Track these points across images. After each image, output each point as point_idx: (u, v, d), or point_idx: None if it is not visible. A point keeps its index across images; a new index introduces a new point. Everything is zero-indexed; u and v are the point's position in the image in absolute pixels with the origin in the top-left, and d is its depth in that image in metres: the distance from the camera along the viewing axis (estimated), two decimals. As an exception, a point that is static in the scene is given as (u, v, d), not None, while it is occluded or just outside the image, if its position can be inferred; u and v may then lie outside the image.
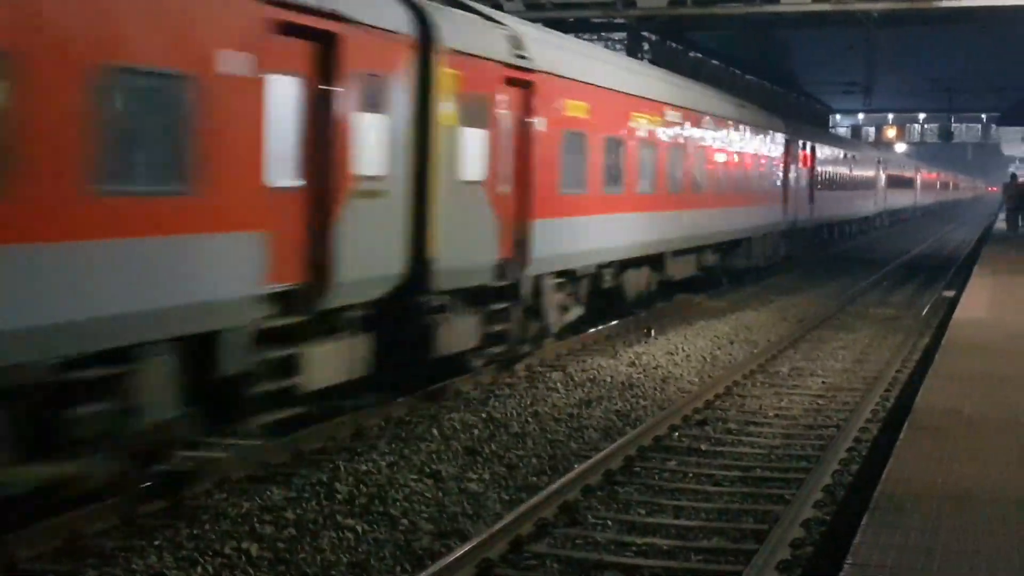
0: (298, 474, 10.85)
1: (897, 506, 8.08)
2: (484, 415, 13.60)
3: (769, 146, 32.07)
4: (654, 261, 21.91)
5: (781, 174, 33.74)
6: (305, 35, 10.73)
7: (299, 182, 10.94)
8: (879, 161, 59.67)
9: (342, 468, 11.06)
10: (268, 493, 10.20)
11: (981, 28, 34.67)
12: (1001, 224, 52.47)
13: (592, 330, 19.84)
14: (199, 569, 8.40)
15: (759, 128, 30.72)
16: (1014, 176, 48.35)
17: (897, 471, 9.07)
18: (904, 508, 8.03)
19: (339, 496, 10.26)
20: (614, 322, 20.97)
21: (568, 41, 20.00)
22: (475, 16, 15.22)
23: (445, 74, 13.36)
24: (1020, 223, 43.70)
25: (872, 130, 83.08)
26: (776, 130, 33.29)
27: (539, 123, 16.05)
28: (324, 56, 11.06)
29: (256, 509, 9.76)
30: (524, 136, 15.76)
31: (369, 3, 12.00)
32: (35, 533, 8.65)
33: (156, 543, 8.85)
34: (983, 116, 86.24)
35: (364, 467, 11.15)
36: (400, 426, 13.03)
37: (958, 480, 8.81)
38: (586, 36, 36.34)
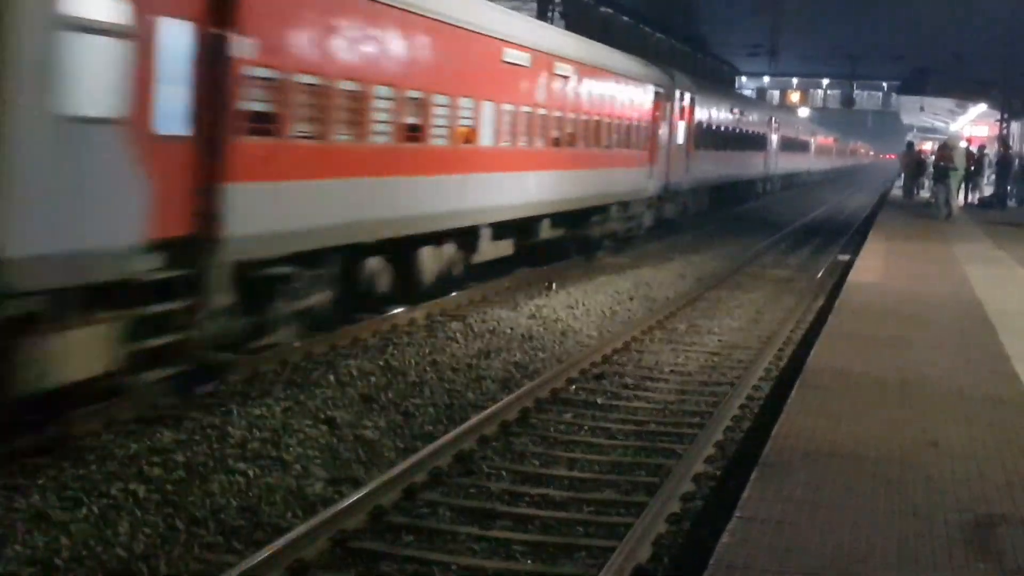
0: (189, 417, 10.70)
1: (785, 462, 8.21)
2: (382, 363, 13.54)
3: (632, 97, 27.49)
4: (465, 235, 18.10)
5: (648, 131, 29.06)
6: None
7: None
8: (772, 121, 55.99)
9: (235, 412, 10.95)
10: (158, 435, 10.06)
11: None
12: (897, 191, 53.51)
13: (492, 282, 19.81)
14: (83, 510, 8.25)
15: (619, 76, 26.41)
16: (911, 145, 49.29)
17: (786, 429, 9.21)
18: (792, 464, 8.16)
19: (231, 440, 10.15)
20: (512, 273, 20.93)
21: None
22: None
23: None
24: (915, 191, 44.65)
25: (777, 93, 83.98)
26: (643, 80, 28.85)
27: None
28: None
29: (144, 451, 9.63)
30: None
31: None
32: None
33: (40, 482, 8.68)
34: (884, 84, 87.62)
35: (258, 411, 11.05)
36: (296, 371, 12.93)
37: (844, 438, 8.98)
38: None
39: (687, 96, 33.63)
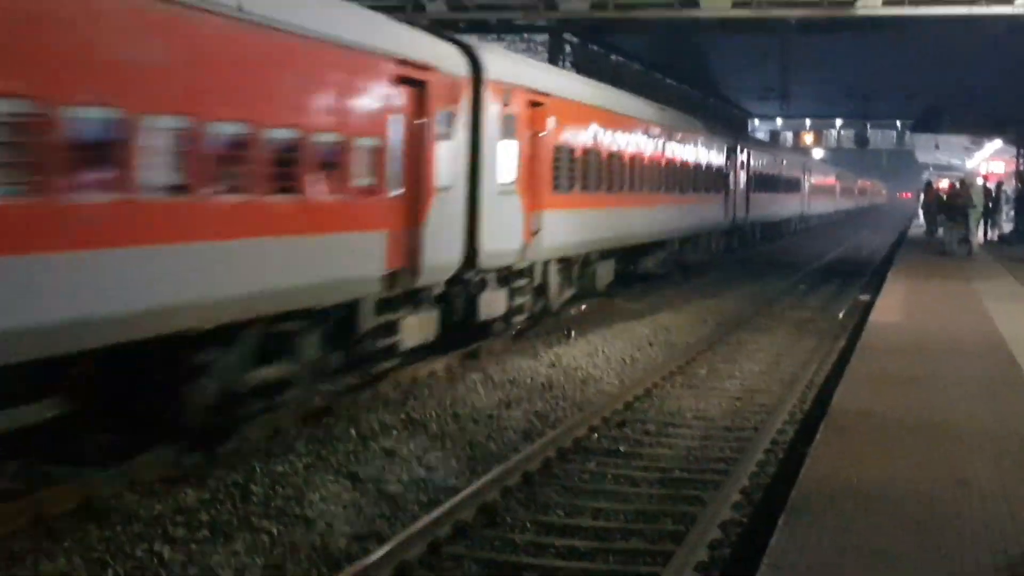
0: (213, 476, 10.68)
1: (812, 507, 8.14)
2: (403, 416, 13.51)
3: (713, 152, 35.73)
4: (629, 251, 25.97)
5: (723, 178, 37.39)
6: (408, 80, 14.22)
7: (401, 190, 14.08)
8: (804, 167, 63.47)
9: (258, 469, 10.92)
10: (182, 495, 10.04)
11: (896, 37, 35.23)
12: (916, 230, 53.38)
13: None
14: (110, 572, 8.25)
15: (710, 137, 35.24)
16: (929, 183, 49.17)
17: (813, 472, 9.15)
18: (819, 509, 8.10)
19: (255, 498, 10.13)
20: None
21: (562, 74, 24.89)
22: (499, 46, 19.53)
23: (489, 101, 16.79)
24: (936, 229, 43.13)
25: (790, 135, 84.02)
26: (721, 137, 37.47)
27: (546, 136, 19.37)
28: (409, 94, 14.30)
29: (169, 511, 9.60)
30: (534, 145, 18.90)
31: (438, 53, 15.43)
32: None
33: (65, 545, 8.66)
34: (898, 123, 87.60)
35: (280, 468, 11.02)
36: (317, 426, 12.90)
37: (871, 481, 8.91)
38: (509, 38, 36.33)
39: (746, 150, 41.84)
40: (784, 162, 54.85)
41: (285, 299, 11.70)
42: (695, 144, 32.88)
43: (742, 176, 40.73)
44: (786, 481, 9.62)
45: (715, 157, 36.01)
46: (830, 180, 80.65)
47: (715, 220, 36.23)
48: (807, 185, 63.91)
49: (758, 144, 49.70)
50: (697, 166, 33.25)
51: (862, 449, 9.95)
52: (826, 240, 60.43)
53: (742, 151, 40.80)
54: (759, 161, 45.13)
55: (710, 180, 34.98)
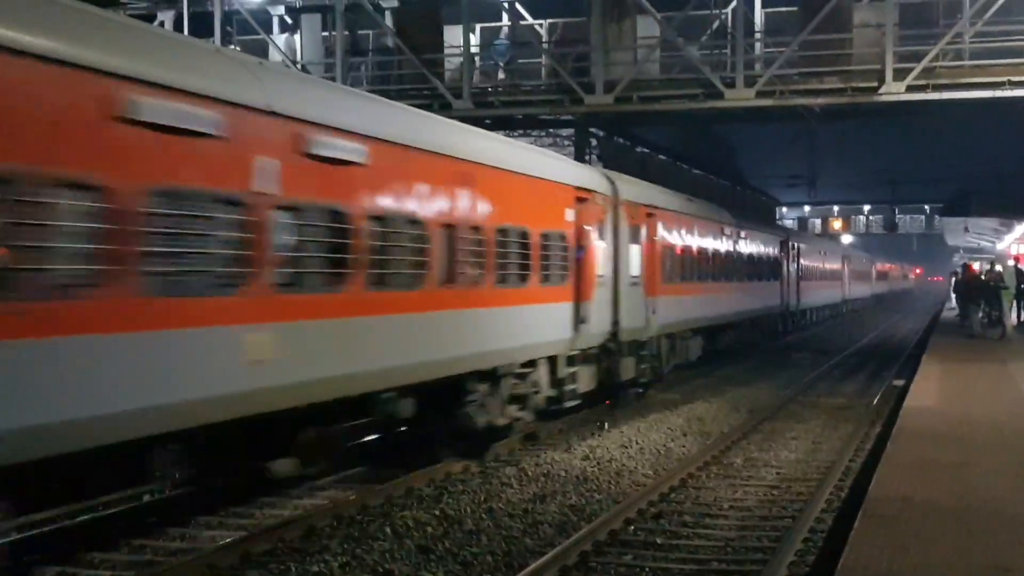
0: (247, 576, 10.66)
1: (853, 596, 8.05)
2: (437, 512, 13.46)
3: (772, 247, 42.15)
4: (712, 330, 31.47)
5: (778, 268, 43.56)
6: (580, 200, 19.44)
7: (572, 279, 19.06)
8: (844, 256, 69.79)
9: (293, 570, 10.89)
10: (217, 597, 10.01)
11: (922, 122, 35.44)
12: (948, 313, 53.10)
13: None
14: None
15: (768, 235, 42.08)
16: (965, 266, 48.94)
17: (852, 561, 9.05)
18: (860, 598, 8.00)
19: (290, 598, 10.08)
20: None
21: (665, 191, 28.06)
22: (623, 175, 24.22)
23: (623, 214, 22.02)
24: (975, 315, 41.28)
25: (818, 221, 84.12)
26: (775, 233, 44.65)
27: (657, 239, 24.72)
28: (581, 211, 19.47)
29: (205, 613, 9.57)
30: (650, 246, 24.15)
31: (600, 182, 21.17)
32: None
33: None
34: (926, 207, 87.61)
35: (315, 568, 10.98)
36: (351, 525, 12.87)
37: (912, 568, 8.80)
38: (535, 132, 36.72)
39: (796, 245, 48.01)
40: (827, 253, 61.26)
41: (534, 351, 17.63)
42: (757, 240, 39.00)
43: (792, 267, 46.62)
44: (826, 571, 9.50)
45: (771, 251, 42.12)
46: (867, 267, 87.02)
47: (773, 305, 42.48)
48: (847, 272, 69.95)
49: (805, 237, 57.16)
50: (759, 259, 39.32)
51: (901, 536, 9.84)
52: (861, 324, 60.25)
53: (792, 245, 47.01)
54: (806, 253, 51.19)
55: (768, 271, 41.33)
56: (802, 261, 49.40)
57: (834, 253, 65.42)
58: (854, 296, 75.64)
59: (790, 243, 46.28)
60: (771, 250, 41.96)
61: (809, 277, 52.03)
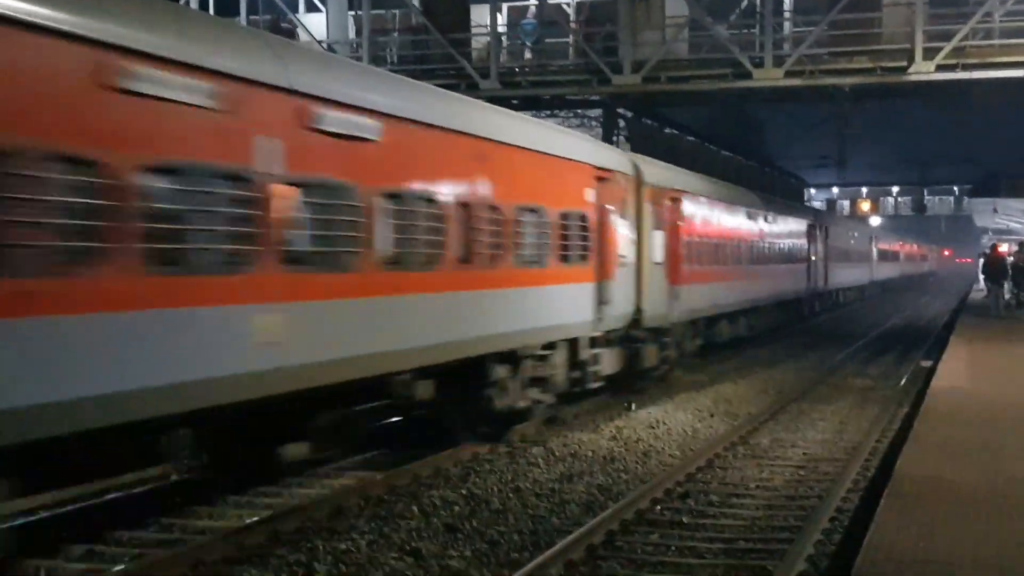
0: (275, 555, 10.73)
1: (878, 574, 8.04)
2: (464, 491, 13.51)
3: (800, 229, 42.35)
4: (745, 312, 32.27)
5: (808, 251, 43.54)
6: (600, 180, 19.12)
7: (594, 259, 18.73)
8: (871, 237, 69.05)
9: (321, 548, 10.95)
10: (245, 575, 10.08)
11: (951, 102, 35.18)
12: (976, 294, 52.79)
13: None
14: (176, 652, 8.28)
15: (796, 218, 42.30)
16: (993, 248, 48.66)
17: (878, 540, 9.04)
18: (886, 576, 8.00)
19: (318, 576, 10.15)
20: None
21: (692, 175, 27.94)
22: (647, 158, 23.87)
23: (646, 198, 21.69)
24: (1005, 295, 41.64)
25: (847, 203, 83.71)
26: (803, 215, 44.75)
27: (682, 224, 24.39)
28: (603, 190, 19.14)
29: (234, 590, 9.65)
30: (675, 232, 23.78)
31: (622, 162, 20.87)
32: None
33: (132, 626, 8.73)
34: (955, 188, 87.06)
35: (343, 546, 11.05)
36: (379, 504, 12.93)
37: (938, 548, 8.79)
38: (562, 113, 36.67)
39: (824, 226, 47.75)
40: (855, 234, 61.06)
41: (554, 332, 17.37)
42: (785, 224, 39.11)
43: (821, 249, 46.34)
44: (852, 550, 9.50)
45: (800, 233, 42.14)
46: (895, 248, 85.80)
47: (802, 287, 42.47)
48: (875, 253, 69.77)
49: (834, 219, 56.92)
50: (787, 242, 39.29)
51: (927, 517, 9.82)
52: (888, 306, 60.00)
53: (821, 227, 46.86)
54: (835, 235, 51.14)
55: (797, 254, 41.36)
56: (830, 243, 49.31)
57: (863, 235, 65.17)
58: (882, 277, 75.44)
59: (818, 225, 46.41)
60: (799, 233, 41.90)
61: (837, 259, 51.90)
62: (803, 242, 42.63)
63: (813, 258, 44.47)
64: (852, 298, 60.53)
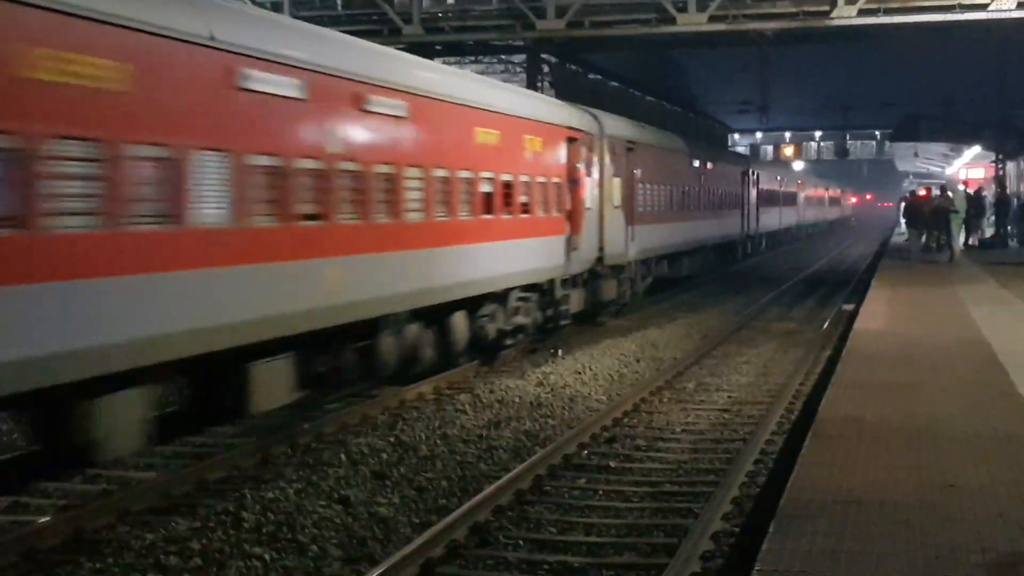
0: (203, 504, 10.68)
1: (803, 513, 8.16)
2: (392, 439, 13.51)
3: (735, 176, 45.07)
4: (689, 254, 35.22)
5: (741, 197, 46.10)
6: (571, 140, 22.10)
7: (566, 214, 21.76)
8: (799, 182, 71.86)
9: (248, 496, 10.91)
10: (173, 524, 10.02)
11: (873, 46, 35.47)
12: (897, 238, 53.55)
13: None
14: (102, 604, 8.21)
15: (731, 165, 45.39)
16: (913, 192, 49.36)
17: (801, 480, 9.17)
18: (809, 515, 8.12)
19: (246, 525, 10.11)
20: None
21: (646, 128, 31.08)
22: (606, 113, 26.37)
23: (606, 149, 24.46)
24: (924, 239, 40.10)
25: (770, 148, 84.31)
26: (737, 163, 47.99)
27: (636, 172, 27.31)
28: (572, 150, 22.08)
29: (160, 540, 9.58)
30: (629, 177, 26.61)
31: (587, 122, 23.47)
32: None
33: (57, 579, 8.64)
34: (877, 133, 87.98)
35: (271, 495, 11.01)
36: (307, 452, 12.90)
37: (861, 485, 8.93)
38: (486, 59, 36.45)
39: (756, 173, 50.60)
40: (783, 180, 63.78)
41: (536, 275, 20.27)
42: (722, 171, 41.91)
43: (752, 195, 48.91)
44: (776, 490, 9.63)
45: (735, 180, 44.86)
46: (821, 193, 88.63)
47: (735, 231, 45.28)
48: (801, 199, 72.47)
49: (763, 166, 60.01)
50: (724, 189, 41.90)
51: (850, 456, 9.98)
52: (813, 250, 60.69)
53: (752, 174, 49.34)
54: (764, 181, 53.90)
55: (732, 200, 44.03)
56: (761, 188, 52.01)
57: (790, 181, 67.84)
58: (809, 221, 77.98)
59: (750, 172, 48.79)
60: (734, 179, 44.65)
61: (768, 204, 54.89)
62: (737, 188, 45.35)
63: (746, 204, 47.12)
64: (780, 240, 62.84)
